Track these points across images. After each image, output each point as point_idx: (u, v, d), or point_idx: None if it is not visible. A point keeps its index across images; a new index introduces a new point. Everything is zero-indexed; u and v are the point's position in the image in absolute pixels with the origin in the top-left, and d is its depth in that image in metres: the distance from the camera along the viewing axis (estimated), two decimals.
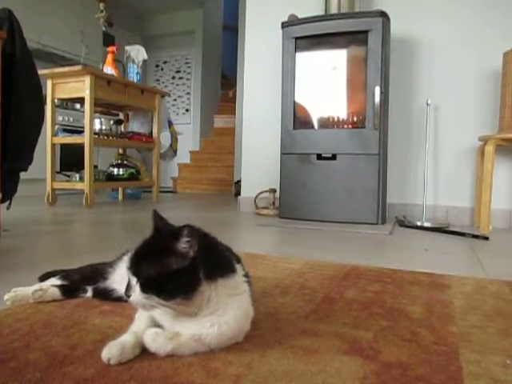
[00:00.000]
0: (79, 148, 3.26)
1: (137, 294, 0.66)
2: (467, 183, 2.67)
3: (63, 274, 1.01)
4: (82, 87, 3.08)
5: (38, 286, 0.95)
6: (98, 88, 3.15)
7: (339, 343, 0.75)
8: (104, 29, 4.35)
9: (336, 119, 2.69)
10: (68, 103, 4.34)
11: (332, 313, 0.92)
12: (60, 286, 0.96)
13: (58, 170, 3.76)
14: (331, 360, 0.68)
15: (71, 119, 4.38)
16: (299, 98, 2.72)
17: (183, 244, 0.65)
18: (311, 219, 2.60)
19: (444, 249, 1.86)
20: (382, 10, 2.51)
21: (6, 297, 0.92)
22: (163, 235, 0.69)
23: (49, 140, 3.20)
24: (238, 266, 0.74)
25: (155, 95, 3.79)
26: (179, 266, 0.65)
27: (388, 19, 2.55)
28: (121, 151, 4.04)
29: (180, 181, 5.82)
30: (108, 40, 5.25)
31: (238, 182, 3.92)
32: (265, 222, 2.57)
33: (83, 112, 3.32)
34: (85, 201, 3.11)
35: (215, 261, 0.70)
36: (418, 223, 2.49)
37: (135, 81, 3.64)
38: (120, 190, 4.05)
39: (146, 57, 3.78)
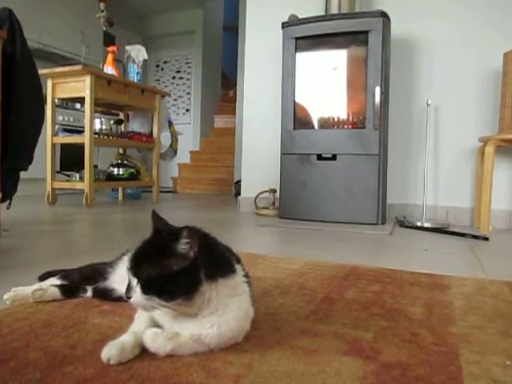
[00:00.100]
0: (79, 148, 3.26)
1: (137, 295, 0.66)
2: (467, 184, 2.67)
3: (63, 273, 1.01)
4: (83, 87, 3.08)
5: (37, 285, 0.95)
6: (99, 88, 3.15)
7: (339, 343, 0.75)
8: (104, 28, 4.36)
9: (336, 119, 2.69)
10: (68, 103, 4.34)
11: (332, 313, 0.92)
12: (60, 286, 0.96)
13: (58, 169, 3.76)
14: (331, 360, 0.68)
15: (71, 119, 4.38)
16: (299, 98, 2.72)
17: (183, 245, 0.65)
18: (311, 219, 2.60)
19: (444, 249, 1.86)
20: (382, 10, 2.51)
21: (5, 296, 0.92)
22: (163, 236, 0.69)
23: (49, 140, 3.20)
24: (238, 267, 0.74)
25: (155, 95, 3.79)
26: (180, 266, 0.65)
27: (388, 19, 2.55)
28: (121, 151, 4.04)
29: (180, 181, 5.82)
30: (108, 40, 5.26)
31: (238, 182, 3.92)
32: (265, 222, 2.57)
33: (83, 112, 3.32)
34: (85, 201, 3.11)
35: (215, 261, 0.70)
36: (418, 223, 2.49)
37: (135, 81, 3.64)
38: (120, 189, 4.05)
39: (146, 57, 3.79)
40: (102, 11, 4.04)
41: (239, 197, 3.30)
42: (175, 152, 4.14)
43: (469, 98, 2.66)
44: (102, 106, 3.81)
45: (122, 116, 4.05)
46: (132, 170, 3.85)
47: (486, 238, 2.07)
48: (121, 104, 3.65)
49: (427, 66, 2.75)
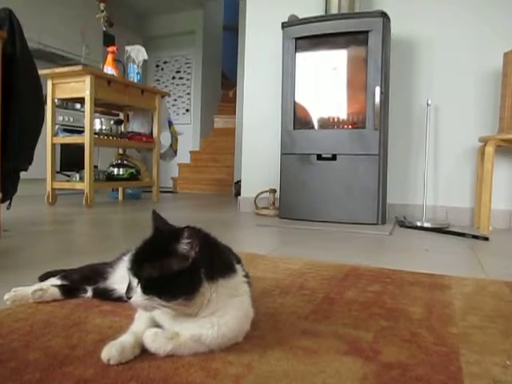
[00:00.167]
0: (79, 148, 3.26)
1: (138, 296, 0.66)
2: (467, 184, 2.67)
3: (63, 273, 1.01)
4: (83, 87, 3.08)
5: (37, 285, 0.95)
6: (98, 88, 3.15)
7: (339, 344, 0.75)
8: (104, 29, 4.36)
9: (336, 119, 2.69)
10: (68, 103, 4.34)
11: (332, 313, 0.92)
12: (60, 286, 0.96)
13: (58, 169, 3.76)
14: (331, 360, 0.68)
15: (71, 119, 4.38)
16: (299, 98, 2.72)
17: (184, 245, 0.65)
18: (311, 219, 2.60)
19: (444, 249, 1.86)
20: (382, 10, 2.51)
21: (5, 296, 0.92)
22: (164, 236, 0.69)
23: (49, 140, 3.21)
24: (238, 267, 0.74)
25: (155, 95, 3.79)
26: (180, 267, 0.65)
27: (388, 19, 2.55)
28: (121, 151, 4.04)
29: (180, 181, 5.82)
30: (108, 40, 5.25)
31: (238, 182, 3.93)
32: (265, 222, 2.57)
33: (83, 112, 3.32)
34: (85, 201, 3.11)
35: (216, 261, 0.70)
36: (418, 223, 2.49)
37: (135, 81, 3.65)
38: (120, 190, 4.05)
39: (146, 57, 3.79)
40: (102, 11, 4.04)
41: (239, 197, 3.30)
42: (175, 152, 4.14)
43: (469, 97, 2.66)
44: (102, 107, 3.81)
45: (121, 116, 4.05)
46: (132, 170, 3.85)
47: (486, 238, 2.07)
48: (121, 104, 3.65)
49: (427, 66, 2.75)
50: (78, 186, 3.26)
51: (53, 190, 3.24)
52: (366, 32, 2.51)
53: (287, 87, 2.72)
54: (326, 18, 2.64)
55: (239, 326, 0.70)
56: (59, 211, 2.95)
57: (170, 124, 4.07)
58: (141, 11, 6.40)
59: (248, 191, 3.20)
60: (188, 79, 6.56)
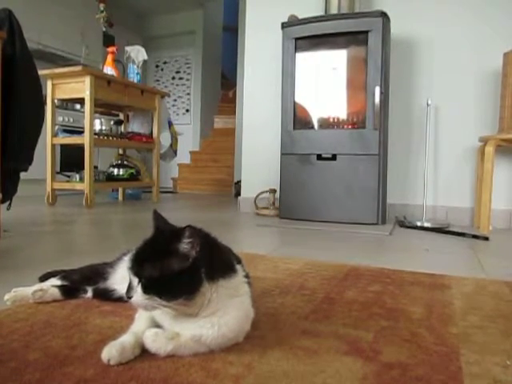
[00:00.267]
0: (79, 148, 3.26)
1: (138, 295, 0.66)
2: (467, 183, 2.67)
3: (63, 274, 1.01)
4: (82, 88, 3.08)
5: (38, 286, 0.95)
6: (98, 88, 3.15)
7: (339, 344, 0.75)
8: (104, 29, 4.35)
9: (336, 119, 2.69)
10: (68, 104, 4.34)
11: (332, 313, 0.92)
12: (60, 287, 0.96)
13: (58, 170, 3.76)
14: (331, 360, 0.68)
15: (71, 120, 4.38)
16: (299, 98, 2.72)
17: (185, 245, 0.65)
18: (311, 219, 2.60)
19: (444, 249, 1.86)
20: (381, 10, 2.52)
21: (6, 297, 0.92)
22: (164, 236, 0.69)
23: (49, 140, 3.21)
24: (238, 267, 0.74)
25: (155, 95, 3.79)
26: (181, 266, 0.65)
27: (388, 19, 2.55)
28: (121, 151, 4.04)
29: (180, 181, 5.82)
30: (108, 40, 5.25)
31: (238, 182, 3.92)
32: (265, 222, 2.57)
33: (83, 112, 3.31)
34: (85, 201, 3.11)
35: (216, 261, 0.70)
36: (418, 223, 2.49)
37: (135, 81, 3.65)
38: (120, 190, 4.05)
39: (146, 57, 3.79)
40: (102, 12, 4.04)
41: (239, 197, 3.30)
42: (175, 152, 4.14)
43: (469, 97, 2.66)
44: (102, 107, 3.81)
45: (121, 116, 4.05)
46: (132, 171, 3.85)
47: (486, 238, 2.07)
48: (121, 104, 3.65)
49: (427, 65, 2.75)
50: (78, 186, 3.26)
51: (53, 190, 3.24)
52: (366, 32, 2.51)
53: (287, 87, 2.72)
54: (326, 18, 2.64)
55: (239, 326, 0.70)
56: (59, 211, 2.95)
57: (170, 124, 4.07)
58: (141, 11, 6.40)
59: (248, 191, 3.20)
60: (188, 79, 6.56)
